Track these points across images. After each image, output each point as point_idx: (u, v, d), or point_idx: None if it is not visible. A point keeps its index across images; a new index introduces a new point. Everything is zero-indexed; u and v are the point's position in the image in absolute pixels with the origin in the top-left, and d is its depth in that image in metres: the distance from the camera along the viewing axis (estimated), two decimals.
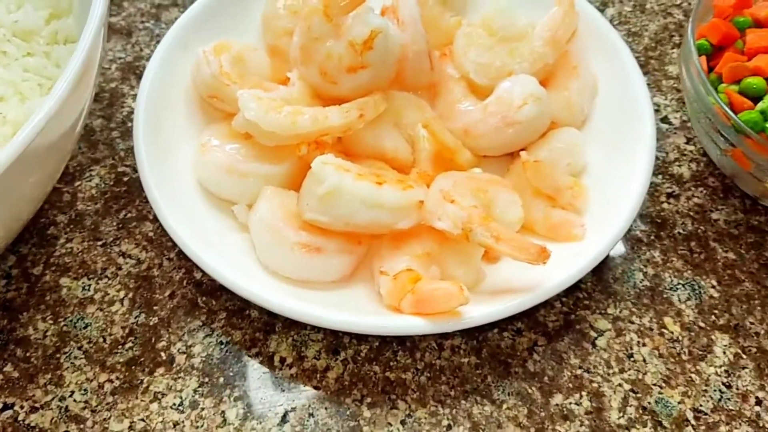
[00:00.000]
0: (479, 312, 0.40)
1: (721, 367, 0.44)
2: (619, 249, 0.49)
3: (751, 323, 0.45)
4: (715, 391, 0.43)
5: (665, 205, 0.51)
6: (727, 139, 0.46)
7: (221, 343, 0.44)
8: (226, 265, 0.42)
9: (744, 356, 0.44)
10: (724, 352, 0.44)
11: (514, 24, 0.52)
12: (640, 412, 0.42)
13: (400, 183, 0.43)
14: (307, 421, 0.41)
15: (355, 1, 0.47)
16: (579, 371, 0.43)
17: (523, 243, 0.40)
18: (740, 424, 0.42)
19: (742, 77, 0.47)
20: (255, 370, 0.43)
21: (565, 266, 0.42)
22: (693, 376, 0.43)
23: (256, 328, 0.45)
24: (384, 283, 0.42)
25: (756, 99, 0.47)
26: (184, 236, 0.43)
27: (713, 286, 0.47)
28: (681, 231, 0.50)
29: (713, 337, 0.45)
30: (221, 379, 0.43)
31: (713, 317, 0.46)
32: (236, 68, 0.50)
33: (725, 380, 0.43)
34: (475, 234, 0.40)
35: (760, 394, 0.42)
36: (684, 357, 0.44)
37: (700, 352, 0.44)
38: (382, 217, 0.42)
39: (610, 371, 0.43)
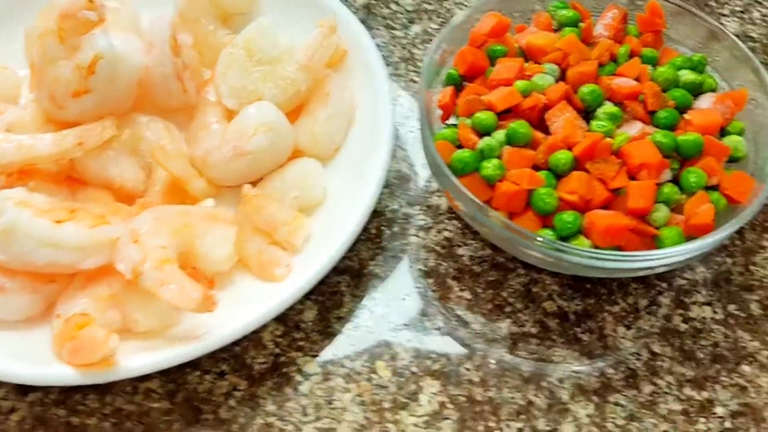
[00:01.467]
0: (138, 363, 0.38)
1: (422, 416, 0.42)
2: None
3: (467, 369, 0.44)
4: None
5: (412, 239, 0.49)
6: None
7: None
8: None
9: (450, 405, 0.42)
10: (430, 401, 0.43)
11: (276, 46, 0.50)
12: None
13: (94, 219, 0.42)
14: None
15: (88, 23, 0.45)
16: (272, 419, 0.42)
17: (184, 290, 0.38)
18: None
19: (476, 111, 0.45)
20: None
21: (252, 311, 0.41)
22: (390, 425, 0.42)
23: None
24: (55, 327, 0.40)
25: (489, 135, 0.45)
26: None
27: (438, 328, 0.45)
28: (421, 267, 0.48)
29: (423, 383, 0.43)
30: None
31: (429, 362, 0.44)
32: None
33: (423, 431, 0.42)
34: (144, 278, 0.39)
35: None
36: (386, 405, 0.42)
37: (404, 400, 0.43)
38: (62, 257, 0.40)
39: (305, 419, 0.42)
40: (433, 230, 0.49)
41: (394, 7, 0.61)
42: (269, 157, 0.46)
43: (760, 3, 0.62)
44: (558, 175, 0.42)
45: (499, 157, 0.42)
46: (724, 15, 0.62)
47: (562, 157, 0.41)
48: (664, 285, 0.47)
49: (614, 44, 0.47)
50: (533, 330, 0.45)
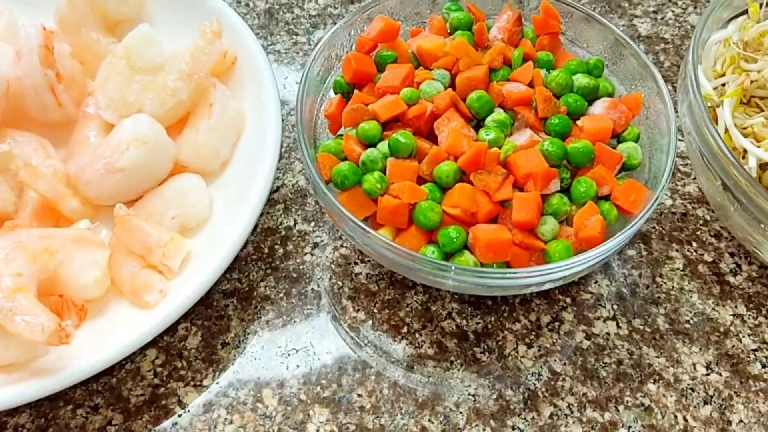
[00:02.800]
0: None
1: None
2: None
3: (359, 395, 0.41)
4: None
5: (307, 257, 0.47)
6: None
7: None
8: None
9: None
10: (318, 430, 0.40)
11: (158, 54, 0.47)
12: None
13: None
14: None
15: None
16: None
17: (32, 323, 0.35)
18: None
19: (361, 121, 0.43)
20: None
21: (119, 339, 0.38)
22: None
23: None
24: None
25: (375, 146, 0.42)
26: None
27: (330, 352, 0.43)
28: (314, 288, 0.45)
29: (311, 412, 0.41)
30: None
31: (319, 388, 0.41)
32: None
33: None
34: None
35: None
36: None
37: (291, 431, 0.40)
38: None
39: None
40: (329, 247, 0.47)
41: (297, 12, 0.59)
42: (145, 174, 0.44)
43: (673, 3, 0.61)
44: (443, 187, 0.40)
45: (383, 170, 0.40)
46: (637, 16, 0.60)
47: (446, 168, 0.39)
48: (568, 300, 0.45)
49: (508, 48, 0.45)
50: (430, 351, 0.43)
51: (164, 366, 0.42)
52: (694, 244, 0.48)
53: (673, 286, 0.46)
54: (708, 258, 0.47)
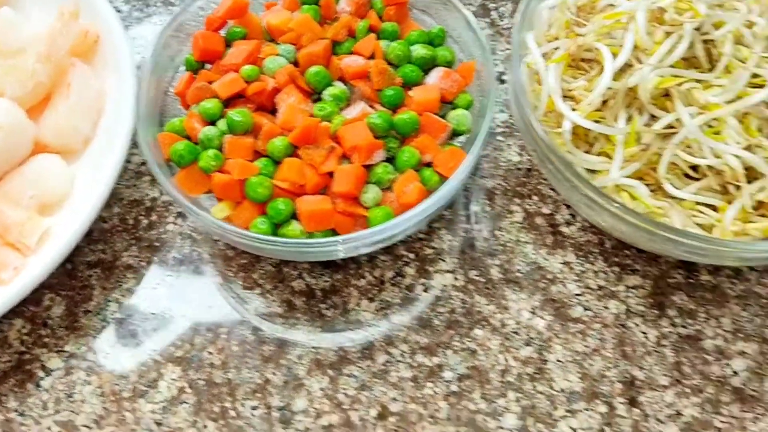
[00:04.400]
0: None
1: (159, 403, 0.44)
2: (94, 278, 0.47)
3: (209, 353, 0.45)
4: (144, 430, 0.43)
5: (170, 227, 0.49)
6: None
7: None
8: None
9: (188, 390, 0.44)
10: (169, 387, 0.44)
11: (19, 38, 0.48)
12: None
13: None
14: None
15: None
16: (13, 414, 0.43)
17: None
18: None
19: (204, 99, 0.45)
20: None
21: None
22: (127, 414, 0.43)
23: None
24: None
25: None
26: None
27: (184, 315, 0.46)
28: (176, 255, 0.48)
29: (164, 370, 0.45)
30: None
31: (173, 348, 0.45)
32: None
33: (159, 418, 0.43)
34: None
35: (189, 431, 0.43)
36: (125, 394, 0.44)
37: (144, 388, 0.44)
38: None
39: (44, 413, 0.43)
40: (184, 218, 0.50)
41: None
42: (3, 156, 0.46)
43: None
44: (277, 162, 0.43)
45: (221, 147, 0.43)
46: None
47: (279, 144, 0.42)
48: (412, 256, 0.49)
49: (354, 20, 0.47)
50: (279, 310, 0.47)
51: (30, 334, 0.45)
52: (535, 197, 0.51)
53: (510, 239, 0.50)
54: (546, 210, 0.51)
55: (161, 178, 0.41)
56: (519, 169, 0.52)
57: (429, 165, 0.44)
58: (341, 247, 0.41)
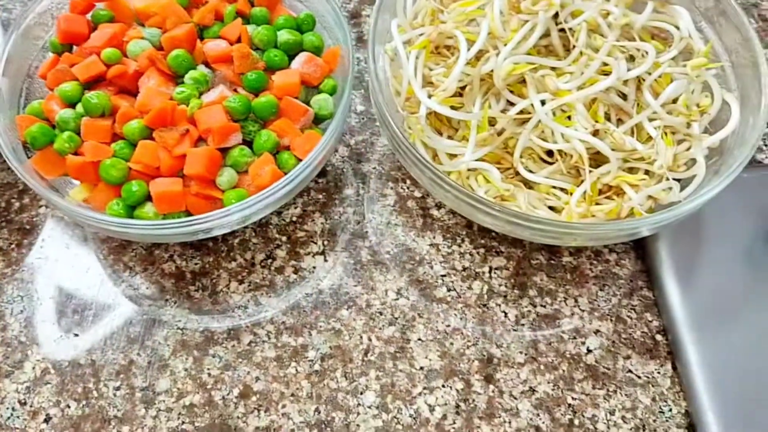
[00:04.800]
0: None
1: (24, 383, 0.44)
2: None
3: (75, 335, 0.45)
4: (8, 408, 0.43)
5: (41, 210, 0.49)
6: None
7: None
8: None
9: (53, 371, 0.44)
10: (34, 368, 0.44)
11: None
12: None
13: None
14: None
15: None
16: None
17: None
18: None
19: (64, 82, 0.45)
20: None
21: None
22: None
23: None
24: None
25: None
26: None
27: (52, 297, 0.47)
28: (45, 237, 0.49)
29: (29, 352, 0.45)
30: None
31: (38, 330, 0.46)
32: None
33: (23, 397, 0.44)
34: None
35: (52, 411, 0.44)
36: None
37: (9, 369, 0.44)
38: None
39: None
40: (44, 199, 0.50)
41: None
42: None
43: None
44: (133, 144, 0.43)
45: (78, 129, 0.43)
46: None
47: (134, 126, 0.42)
48: (284, 238, 0.50)
49: (223, 4, 0.48)
50: (148, 292, 0.47)
51: None
52: (408, 181, 0.52)
53: (381, 221, 0.51)
54: (417, 194, 0.52)
55: (13, 162, 0.41)
56: (393, 154, 0.53)
57: (287, 148, 0.45)
58: (195, 227, 0.41)
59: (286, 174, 0.43)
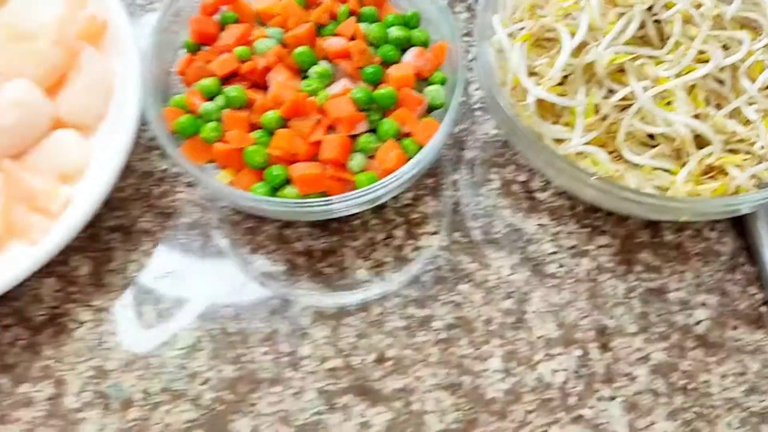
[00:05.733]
0: None
1: (181, 349, 0.49)
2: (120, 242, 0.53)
3: (225, 307, 0.50)
4: (167, 372, 0.48)
5: (179, 195, 0.54)
6: None
7: None
8: None
9: (206, 338, 0.49)
10: (188, 336, 0.49)
11: (32, 23, 0.53)
12: (94, 395, 0.48)
13: None
14: None
15: None
16: (50, 362, 0.48)
17: None
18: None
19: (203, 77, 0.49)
20: None
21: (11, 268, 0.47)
22: (152, 359, 0.48)
23: None
24: None
25: None
26: None
27: (198, 273, 0.52)
28: (186, 220, 0.53)
29: (183, 322, 0.50)
30: None
31: (189, 303, 0.51)
32: None
33: (182, 362, 0.48)
34: None
35: (208, 374, 0.48)
36: (149, 343, 0.49)
37: (166, 338, 0.49)
38: None
39: (78, 360, 0.48)
40: (193, 187, 0.55)
41: None
42: (25, 131, 0.51)
43: None
44: (271, 133, 0.47)
45: (220, 120, 0.48)
46: None
47: (271, 116, 0.47)
48: (400, 219, 0.53)
49: (336, 4, 0.52)
50: (282, 268, 0.52)
51: (61, 291, 0.51)
52: (511, 167, 0.55)
53: (489, 204, 0.54)
54: (521, 178, 0.55)
55: (170, 148, 0.46)
56: (496, 141, 0.57)
57: (408, 135, 0.48)
58: (334, 206, 0.45)
59: (408, 158, 0.47)
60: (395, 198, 0.54)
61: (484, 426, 0.46)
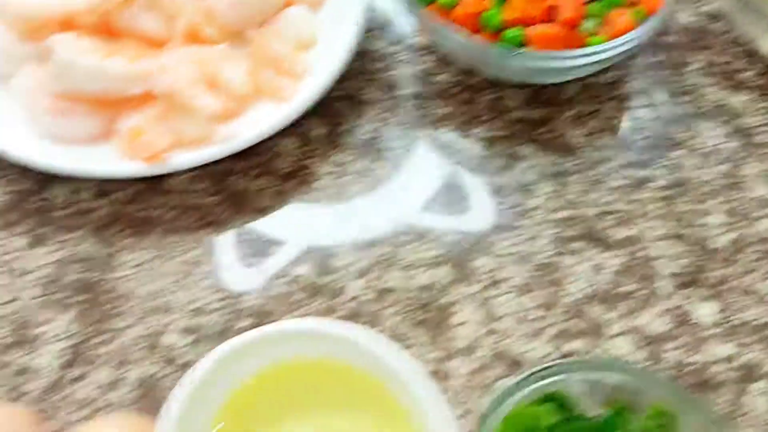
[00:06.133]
0: (183, 159, 0.50)
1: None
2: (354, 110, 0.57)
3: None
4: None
5: (396, 71, 0.58)
6: None
7: None
8: None
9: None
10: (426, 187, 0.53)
11: None
12: None
13: (132, 57, 0.51)
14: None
15: None
16: (293, 208, 0.53)
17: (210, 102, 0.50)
18: None
19: None
20: None
21: (267, 122, 0.52)
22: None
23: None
24: (118, 138, 0.51)
25: None
26: None
27: (421, 138, 0.55)
28: (405, 92, 0.57)
29: (420, 166, 0.53)
30: None
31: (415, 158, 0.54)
32: None
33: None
34: (181, 95, 0.49)
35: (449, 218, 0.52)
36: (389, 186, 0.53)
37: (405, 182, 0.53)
38: (111, 86, 0.51)
39: (319, 204, 0.53)
40: (411, 63, 0.59)
41: None
42: (266, 4, 0.56)
43: None
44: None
45: None
46: None
47: None
48: (609, 94, 0.56)
49: None
50: (502, 133, 0.55)
51: (300, 148, 0.55)
52: (713, 48, 0.58)
53: (692, 82, 0.57)
54: (722, 60, 0.58)
55: (413, 9, 0.50)
56: (690, 29, 0.60)
57: (637, 3, 0.52)
58: (569, 61, 0.49)
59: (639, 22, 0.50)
60: (605, 72, 0.57)
61: (711, 271, 0.49)
